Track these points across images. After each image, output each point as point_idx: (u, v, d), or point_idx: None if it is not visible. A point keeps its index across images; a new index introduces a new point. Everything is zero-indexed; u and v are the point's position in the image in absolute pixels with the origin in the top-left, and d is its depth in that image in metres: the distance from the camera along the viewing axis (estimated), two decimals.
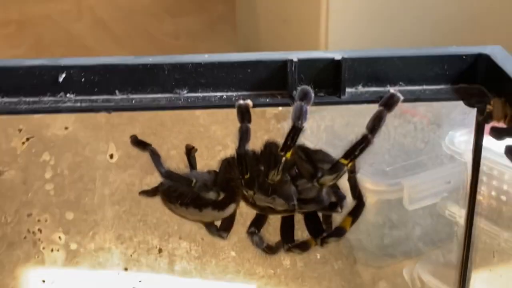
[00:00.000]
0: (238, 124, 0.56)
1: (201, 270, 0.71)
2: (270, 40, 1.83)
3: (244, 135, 0.56)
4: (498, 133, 0.54)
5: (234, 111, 0.56)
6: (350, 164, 0.55)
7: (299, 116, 0.55)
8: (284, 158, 0.55)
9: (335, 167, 0.56)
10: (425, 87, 0.60)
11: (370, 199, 0.93)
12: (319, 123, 0.64)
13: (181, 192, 0.59)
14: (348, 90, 0.60)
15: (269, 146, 0.59)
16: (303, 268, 0.71)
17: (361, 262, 0.77)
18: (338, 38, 1.46)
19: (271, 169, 0.56)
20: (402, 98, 0.56)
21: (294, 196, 0.58)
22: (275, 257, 0.72)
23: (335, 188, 0.61)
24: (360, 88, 0.60)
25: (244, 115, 0.56)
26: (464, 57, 0.59)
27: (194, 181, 0.59)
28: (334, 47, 1.47)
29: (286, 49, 0.60)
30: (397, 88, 0.60)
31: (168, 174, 0.59)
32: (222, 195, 0.59)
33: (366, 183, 0.92)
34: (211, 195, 0.59)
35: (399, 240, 1.00)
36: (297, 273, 0.71)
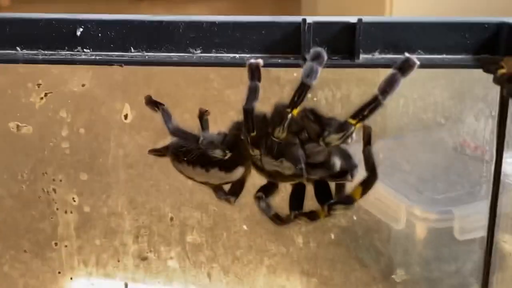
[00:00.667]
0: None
1: (212, 243, 0.70)
2: (334, 8, 1.83)
3: (252, 92, 0.55)
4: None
5: (247, 75, 0.55)
6: (358, 125, 0.54)
7: (308, 74, 0.54)
8: (290, 115, 0.54)
9: (342, 126, 0.54)
10: (444, 56, 0.58)
11: (419, 228, 0.90)
12: (335, 93, 0.63)
13: (188, 149, 0.59)
14: (364, 56, 0.59)
15: (278, 107, 0.58)
16: (316, 249, 0.69)
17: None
18: (403, 4, 1.44)
19: (276, 126, 0.55)
20: (418, 63, 0.54)
21: (302, 160, 0.57)
22: (288, 235, 0.70)
23: (347, 157, 0.59)
24: (377, 55, 0.59)
25: (254, 73, 0.56)
26: (486, 26, 0.57)
27: (201, 138, 0.58)
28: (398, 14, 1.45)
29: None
30: (415, 56, 0.58)
31: (175, 130, 0.59)
32: (228, 154, 0.58)
33: (416, 210, 0.89)
34: (217, 153, 0.58)
35: (448, 273, 0.96)
36: (309, 253, 0.69)
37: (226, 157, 0.58)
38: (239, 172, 0.60)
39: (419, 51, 0.58)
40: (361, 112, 0.54)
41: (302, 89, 0.54)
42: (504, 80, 0.50)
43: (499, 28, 0.57)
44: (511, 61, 0.54)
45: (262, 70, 0.65)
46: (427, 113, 0.60)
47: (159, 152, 0.62)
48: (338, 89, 0.63)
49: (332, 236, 0.67)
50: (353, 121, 0.54)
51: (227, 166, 0.60)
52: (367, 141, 0.60)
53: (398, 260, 0.69)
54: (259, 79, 0.56)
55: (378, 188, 0.83)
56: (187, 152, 0.59)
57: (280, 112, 0.56)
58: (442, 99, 0.60)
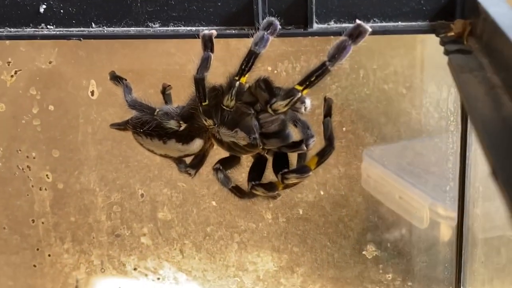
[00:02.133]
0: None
1: (183, 220, 0.70)
2: None
3: (204, 62, 0.56)
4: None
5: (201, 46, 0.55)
6: (305, 91, 0.54)
7: (257, 42, 0.54)
8: (238, 83, 0.54)
9: (289, 93, 0.54)
10: (400, 23, 0.57)
11: (443, 226, 0.89)
12: (295, 65, 0.62)
13: (144, 121, 0.59)
14: (319, 26, 0.58)
15: (230, 77, 0.58)
16: (285, 224, 0.68)
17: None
18: None
19: (225, 94, 0.55)
20: (369, 30, 0.53)
21: (256, 130, 0.57)
22: (256, 211, 0.70)
23: (304, 127, 0.59)
24: (332, 24, 0.59)
25: (207, 43, 0.56)
26: None
27: (157, 110, 0.59)
28: None
29: None
30: (370, 24, 0.58)
31: (133, 103, 0.59)
32: (183, 126, 0.58)
33: (439, 208, 0.88)
34: (172, 123, 0.58)
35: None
36: (279, 228, 0.69)
37: (181, 128, 0.58)
38: (196, 144, 0.60)
39: (375, 19, 0.58)
40: (308, 78, 0.53)
41: (250, 57, 0.54)
42: (448, 41, 0.49)
43: None
44: (460, 23, 0.53)
45: (222, 42, 0.66)
46: (388, 83, 0.60)
47: (120, 126, 0.63)
48: (297, 61, 0.62)
49: (300, 211, 0.67)
50: (299, 87, 0.53)
51: (183, 137, 0.60)
52: (327, 112, 0.60)
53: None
54: (211, 50, 0.56)
55: (400, 186, 0.82)
56: (144, 123, 0.60)
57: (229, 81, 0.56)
58: (402, 69, 0.60)
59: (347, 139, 0.64)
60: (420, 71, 0.59)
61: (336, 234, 0.67)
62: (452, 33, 0.53)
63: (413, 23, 0.57)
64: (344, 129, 0.64)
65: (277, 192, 0.60)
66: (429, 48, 0.53)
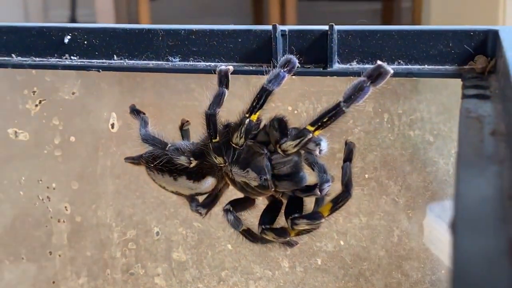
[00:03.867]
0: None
1: (197, 262, 0.68)
2: (446, 18, 1.80)
3: (217, 98, 0.54)
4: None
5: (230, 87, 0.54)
6: (316, 132, 0.51)
7: (272, 79, 0.52)
8: (248, 120, 0.52)
9: (299, 133, 0.51)
10: (426, 66, 0.54)
11: None
12: (316, 105, 0.60)
13: (156, 156, 0.58)
14: (340, 66, 0.56)
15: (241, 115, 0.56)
16: (302, 274, 0.65)
17: None
18: None
19: (235, 131, 0.53)
20: (391, 71, 0.50)
21: (267, 171, 0.54)
22: (273, 258, 0.66)
23: (321, 171, 0.56)
24: (355, 65, 0.56)
25: (222, 79, 0.54)
26: (471, 34, 0.53)
27: (169, 144, 0.57)
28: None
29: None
30: (394, 66, 0.55)
31: (146, 137, 0.58)
32: (194, 163, 0.56)
33: None
34: (182, 159, 0.56)
35: None
36: (296, 278, 0.65)
37: (192, 165, 0.57)
38: (208, 183, 0.58)
39: (399, 61, 0.55)
40: (321, 119, 0.50)
41: (262, 94, 0.52)
42: (469, 85, 0.46)
43: (486, 35, 0.52)
44: (481, 59, 0.50)
45: (242, 80, 0.64)
46: (414, 130, 0.56)
47: (134, 160, 0.62)
48: (319, 102, 0.60)
49: (319, 261, 0.63)
50: (311, 128, 0.51)
51: (194, 175, 0.58)
52: (348, 157, 0.56)
53: None
54: (227, 86, 0.55)
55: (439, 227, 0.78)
56: (156, 158, 0.58)
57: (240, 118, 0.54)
58: (429, 115, 0.56)
59: (370, 187, 0.60)
60: (448, 119, 0.55)
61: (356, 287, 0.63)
62: (473, 67, 0.50)
63: (440, 67, 0.54)
64: (366, 176, 0.60)
65: (289, 238, 0.57)
66: (457, 95, 0.50)
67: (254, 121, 0.53)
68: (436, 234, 0.77)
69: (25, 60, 0.64)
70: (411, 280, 0.61)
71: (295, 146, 0.51)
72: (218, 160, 0.55)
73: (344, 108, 0.50)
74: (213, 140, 0.55)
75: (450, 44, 0.53)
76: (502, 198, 0.24)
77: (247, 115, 0.52)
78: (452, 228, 0.22)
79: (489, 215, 0.23)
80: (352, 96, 0.50)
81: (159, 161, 0.57)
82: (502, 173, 0.27)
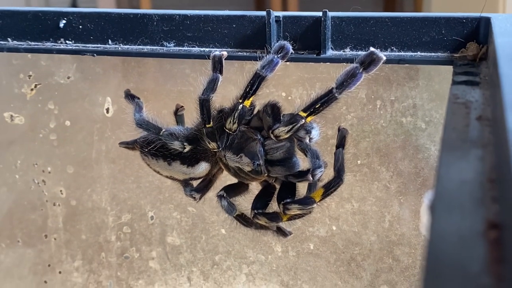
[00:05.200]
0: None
1: (191, 246, 0.68)
2: (444, 7, 1.80)
3: (211, 83, 0.54)
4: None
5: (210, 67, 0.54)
6: (309, 118, 0.51)
7: (265, 65, 0.52)
8: (241, 106, 0.52)
9: (292, 119, 0.51)
10: (419, 53, 0.54)
11: None
12: (309, 91, 0.60)
13: (150, 141, 0.58)
14: (334, 52, 0.56)
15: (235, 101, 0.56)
16: (295, 258, 0.65)
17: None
18: None
19: (228, 116, 0.53)
20: (384, 58, 0.50)
21: (260, 156, 0.55)
22: (266, 242, 0.67)
23: (313, 156, 0.56)
24: (348, 51, 0.56)
25: (216, 65, 0.54)
26: (464, 21, 0.53)
27: (163, 129, 0.58)
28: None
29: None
30: (387, 53, 0.55)
31: (140, 121, 0.58)
32: (188, 147, 0.57)
33: None
34: (176, 144, 0.57)
35: None
36: (289, 262, 0.66)
37: (186, 150, 0.57)
38: (202, 168, 0.59)
39: (392, 48, 0.55)
40: (313, 105, 0.51)
41: (255, 80, 0.52)
42: (459, 72, 0.46)
43: (478, 23, 0.53)
44: (473, 46, 0.50)
45: (237, 65, 0.64)
46: (406, 116, 0.56)
47: (129, 145, 0.62)
48: (312, 88, 0.60)
49: (311, 246, 0.64)
50: (303, 114, 0.51)
51: (188, 160, 0.58)
52: (340, 143, 0.57)
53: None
54: (221, 72, 0.55)
55: None
56: (150, 143, 0.58)
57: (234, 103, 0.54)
58: (421, 101, 0.56)
59: (362, 173, 0.60)
60: (440, 105, 0.56)
61: (348, 273, 0.63)
62: (465, 55, 0.50)
63: (432, 54, 0.54)
64: (359, 162, 0.61)
65: (281, 222, 0.58)
66: (450, 82, 0.50)
67: (248, 106, 0.53)
68: None
69: (21, 44, 0.64)
70: (402, 265, 0.62)
71: (288, 132, 0.51)
72: (212, 145, 0.56)
73: (336, 95, 0.50)
74: (207, 125, 0.55)
75: (443, 31, 0.54)
76: (482, 181, 0.24)
77: (240, 101, 0.52)
78: (431, 210, 0.23)
79: (468, 197, 0.23)
80: (345, 83, 0.50)
81: (153, 146, 0.58)
82: (485, 157, 0.27)
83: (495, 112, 0.32)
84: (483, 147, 0.28)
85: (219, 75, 0.55)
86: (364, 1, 3.11)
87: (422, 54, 0.54)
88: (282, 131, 0.52)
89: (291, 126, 0.51)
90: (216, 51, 0.55)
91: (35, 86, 0.67)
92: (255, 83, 0.52)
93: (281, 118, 0.54)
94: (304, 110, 0.51)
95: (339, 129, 0.57)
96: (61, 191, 0.71)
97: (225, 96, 0.56)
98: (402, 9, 3.30)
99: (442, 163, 0.27)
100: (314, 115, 0.51)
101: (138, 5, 2.65)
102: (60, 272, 0.74)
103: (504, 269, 0.20)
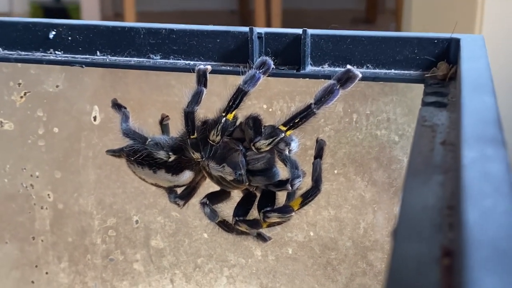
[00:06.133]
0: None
1: (175, 249, 0.71)
2: (423, 24, 1.84)
3: (195, 96, 0.57)
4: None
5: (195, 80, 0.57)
6: (288, 132, 0.54)
7: (247, 81, 0.55)
8: (224, 119, 0.55)
9: (272, 132, 0.54)
10: (393, 71, 0.57)
11: None
12: (289, 104, 0.63)
13: (136, 150, 0.61)
14: (313, 68, 0.59)
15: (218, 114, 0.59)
16: (274, 262, 0.68)
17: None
18: (493, 23, 1.45)
19: (211, 129, 0.56)
20: (359, 75, 0.53)
21: (242, 166, 0.58)
22: (246, 247, 0.70)
23: (293, 167, 0.59)
24: (326, 67, 0.59)
25: (201, 78, 0.57)
26: (435, 41, 0.56)
27: (149, 139, 0.60)
28: (488, 33, 1.46)
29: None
30: (363, 70, 0.58)
31: (127, 131, 0.61)
32: (173, 157, 0.59)
33: None
34: (161, 154, 0.59)
35: None
36: (268, 266, 0.69)
37: (170, 160, 0.60)
38: (186, 176, 0.61)
39: (368, 65, 0.58)
40: (293, 119, 0.54)
41: (238, 94, 0.55)
42: (429, 92, 0.49)
43: (449, 43, 0.56)
44: (443, 65, 0.53)
45: (220, 78, 0.67)
46: (381, 129, 0.59)
47: (115, 153, 0.64)
48: (292, 101, 0.63)
49: (290, 251, 0.67)
50: (283, 128, 0.54)
51: (173, 169, 0.61)
52: (318, 154, 0.60)
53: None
54: (205, 85, 0.57)
55: None
56: (136, 152, 0.61)
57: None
58: (395, 116, 0.59)
59: (338, 181, 0.64)
60: (412, 120, 0.59)
61: (325, 277, 0.66)
62: (435, 75, 0.53)
63: (405, 72, 0.57)
64: (335, 171, 0.64)
65: (261, 229, 0.60)
66: (421, 98, 0.53)
67: (230, 119, 0.56)
68: None
69: (11, 54, 0.66)
70: (375, 270, 0.65)
71: (268, 144, 0.54)
72: (196, 155, 0.58)
73: (315, 110, 0.53)
74: (191, 137, 0.57)
75: (415, 51, 0.57)
76: (442, 207, 0.27)
77: (223, 114, 0.55)
78: (393, 235, 0.26)
79: (428, 223, 0.26)
80: (323, 99, 0.53)
81: (140, 155, 0.60)
82: (446, 183, 0.30)
83: (457, 136, 0.35)
84: (445, 173, 0.31)
85: (204, 88, 0.57)
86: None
87: (396, 71, 0.57)
88: (263, 144, 0.55)
89: (271, 140, 0.54)
90: (201, 65, 0.58)
91: (25, 94, 0.69)
92: (237, 97, 0.55)
93: (262, 130, 0.57)
94: (284, 124, 0.54)
95: (317, 141, 0.60)
96: (48, 195, 0.73)
97: (208, 106, 0.59)
98: (384, 7, 3.35)
99: (406, 188, 0.29)
100: (293, 129, 0.54)
101: (121, 9, 2.67)
102: (46, 273, 0.76)
103: None
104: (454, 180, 0.30)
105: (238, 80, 0.56)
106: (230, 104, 0.55)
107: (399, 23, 2.63)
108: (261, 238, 0.65)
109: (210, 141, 0.57)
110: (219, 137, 0.56)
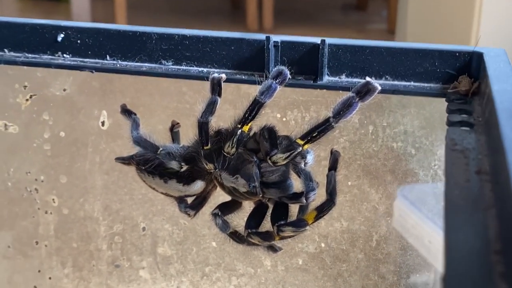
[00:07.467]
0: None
1: (182, 257, 0.70)
2: (420, 34, 1.83)
3: (209, 106, 0.55)
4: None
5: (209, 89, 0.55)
6: (306, 146, 0.53)
7: (264, 91, 0.53)
8: (240, 131, 0.54)
9: (289, 146, 0.53)
10: (412, 83, 0.56)
11: None
12: (304, 114, 0.62)
13: (147, 159, 0.59)
14: (330, 78, 0.58)
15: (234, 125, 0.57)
16: (284, 272, 0.67)
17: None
18: (490, 33, 1.44)
19: (227, 141, 0.55)
20: (379, 88, 0.52)
21: (256, 178, 0.56)
22: (256, 256, 0.69)
23: (307, 179, 0.58)
24: (344, 78, 0.58)
25: (215, 87, 0.56)
26: (457, 54, 0.55)
27: (160, 149, 0.59)
28: (485, 43, 1.45)
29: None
30: (381, 81, 0.57)
31: (137, 139, 0.59)
32: (185, 167, 0.58)
33: None
34: (173, 164, 0.58)
35: None
36: (277, 276, 0.68)
37: (182, 170, 0.58)
38: (197, 186, 0.60)
39: (386, 76, 0.57)
40: (311, 133, 0.52)
41: (254, 106, 0.53)
42: (454, 109, 0.48)
43: (471, 57, 0.55)
44: (465, 80, 0.52)
45: (233, 86, 0.65)
46: (397, 142, 0.58)
47: (124, 160, 0.63)
48: (307, 111, 0.62)
49: (300, 261, 0.66)
50: (300, 142, 0.53)
51: (184, 178, 0.59)
52: (333, 165, 0.58)
53: None
54: (219, 94, 0.56)
55: (431, 230, 0.80)
56: (147, 161, 0.60)
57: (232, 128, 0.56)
58: (412, 128, 0.58)
59: (352, 193, 0.62)
60: (430, 133, 0.58)
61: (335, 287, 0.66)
62: (458, 90, 0.52)
63: (425, 85, 0.56)
64: (349, 183, 0.62)
65: (273, 241, 0.59)
66: (440, 110, 0.52)
67: (246, 131, 0.54)
68: (406, 217, 0.79)
69: (18, 56, 0.64)
70: (387, 283, 0.64)
71: (285, 159, 0.53)
72: (209, 166, 0.57)
73: (333, 124, 0.52)
74: (205, 147, 0.56)
75: (436, 63, 0.56)
76: (488, 252, 0.26)
77: (239, 126, 0.54)
78: (443, 281, 0.24)
79: (477, 272, 0.25)
80: (341, 112, 0.52)
81: (150, 164, 0.59)
82: (488, 223, 0.29)
83: (498, 176, 0.33)
84: (485, 209, 0.30)
85: (218, 97, 0.56)
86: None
87: (415, 84, 0.56)
88: (280, 157, 0.53)
89: (288, 154, 0.53)
90: (215, 74, 0.56)
91: (30, 96, 0.67)
92: (254, 109, 0.53)
93: (278, 142, 0.56)
94: (302, 138, 0.53)
95: (331, 152, 0.59)
96: (53, 199, 0.71)
97: (221, 115, 0.58)
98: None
99: (448, 228, 0.28)
100: (311, 143, 0.53)
101: (112, 14, 2.66)
102: (50, 278, 0.75)
103: None
104: (497, 220, 0.29)
105: (252, 88, 0.55)
106: (246, 115, 0.54)
107: (391, 10, 2.61)
108: (272, 248, 0.64)
109: (225, 153, 0.55)
110: (234, 149, 0.55)
